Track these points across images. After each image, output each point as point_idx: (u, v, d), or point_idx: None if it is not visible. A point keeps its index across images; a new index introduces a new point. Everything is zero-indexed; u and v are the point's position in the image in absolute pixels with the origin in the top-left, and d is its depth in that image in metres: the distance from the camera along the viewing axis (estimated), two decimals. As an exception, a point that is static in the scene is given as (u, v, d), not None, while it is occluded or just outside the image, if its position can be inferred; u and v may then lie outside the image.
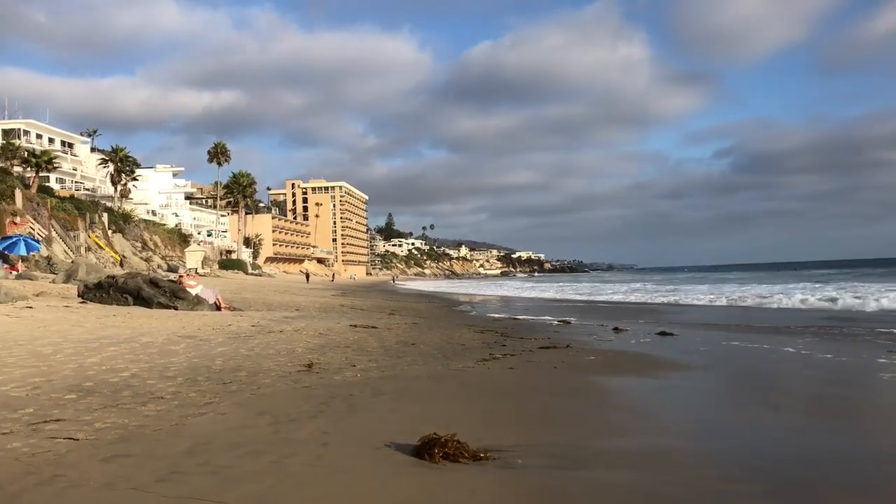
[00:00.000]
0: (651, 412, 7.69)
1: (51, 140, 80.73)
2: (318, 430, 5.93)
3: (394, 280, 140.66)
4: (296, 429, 5.96)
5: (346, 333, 14.67)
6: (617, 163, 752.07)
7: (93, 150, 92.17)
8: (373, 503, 4.28)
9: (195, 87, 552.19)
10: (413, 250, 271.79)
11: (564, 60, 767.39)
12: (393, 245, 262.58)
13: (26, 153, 65.40)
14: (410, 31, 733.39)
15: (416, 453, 5.16)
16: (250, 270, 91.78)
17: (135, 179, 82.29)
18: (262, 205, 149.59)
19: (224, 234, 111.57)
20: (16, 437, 5.35)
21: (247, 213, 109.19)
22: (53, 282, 29.20)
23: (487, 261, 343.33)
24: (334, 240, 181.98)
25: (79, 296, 20.62)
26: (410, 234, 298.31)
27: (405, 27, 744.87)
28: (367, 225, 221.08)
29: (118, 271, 36.66)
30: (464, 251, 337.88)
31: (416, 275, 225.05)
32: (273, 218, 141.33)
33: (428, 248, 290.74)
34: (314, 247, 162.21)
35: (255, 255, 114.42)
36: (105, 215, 66.53)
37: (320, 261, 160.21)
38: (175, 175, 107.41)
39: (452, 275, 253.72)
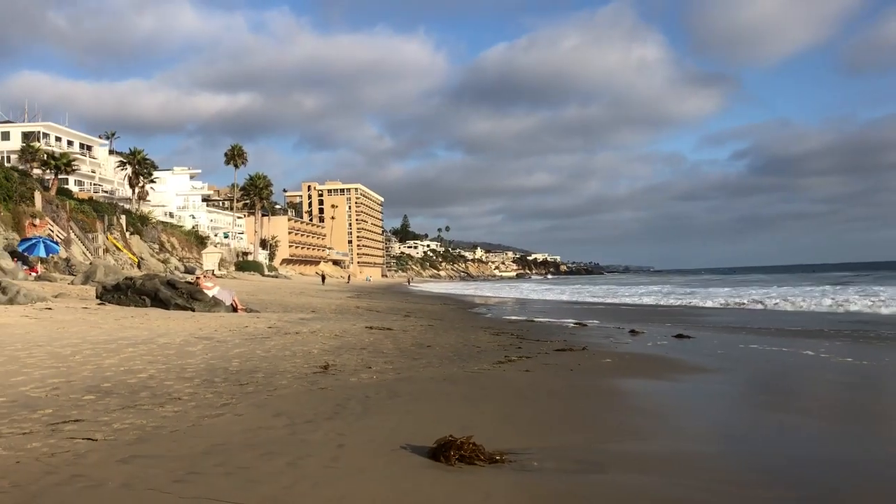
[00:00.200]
0: (668, 415, 7.63)
1: (70, 143, 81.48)
2: (334, 431, 5.94)
3: (409, 282, 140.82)
4: (312, 430, 5.97)
5: (361, 335, 14.69)
6: (633, 165, 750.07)
7: (111, 152, 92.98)
8: (389, 505, 4.27)
9: (212, 89, 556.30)
10: (428, 252, 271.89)
11: (581, 62, 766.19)
12: (408, 247, 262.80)
13: (46, 156, 66.07)
14: (426, 33, 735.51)
15: (431, 455, 5.16)
16: (266, 272, 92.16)
17: (152, 182, 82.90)
18: (278, 207, 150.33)
19: (240, 235, 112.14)
20: (35, 437, 5.40)
21: (263, 215, 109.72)
22: (72, 283, 29.47)
23: (503, 263, 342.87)
24: (350, 242, 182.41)
25: (97, 297, 20.79)
26: (426, 235, 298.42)
27: (420, 29, 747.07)
28: (382, 227, 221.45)
29: (136, 273, 36.96)
30: (479, 253, 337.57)
31: (431, 277, 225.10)
32: (289, 220, 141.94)
33: (443, 249, 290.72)
34: (330, 248, 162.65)
35: (272, 257, 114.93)
36: (123, 217, 67.04)
37: (336, 262, 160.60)
38: (192, 177, 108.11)
39: (468, 277, 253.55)
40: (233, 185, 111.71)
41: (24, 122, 78.93)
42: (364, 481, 4.62)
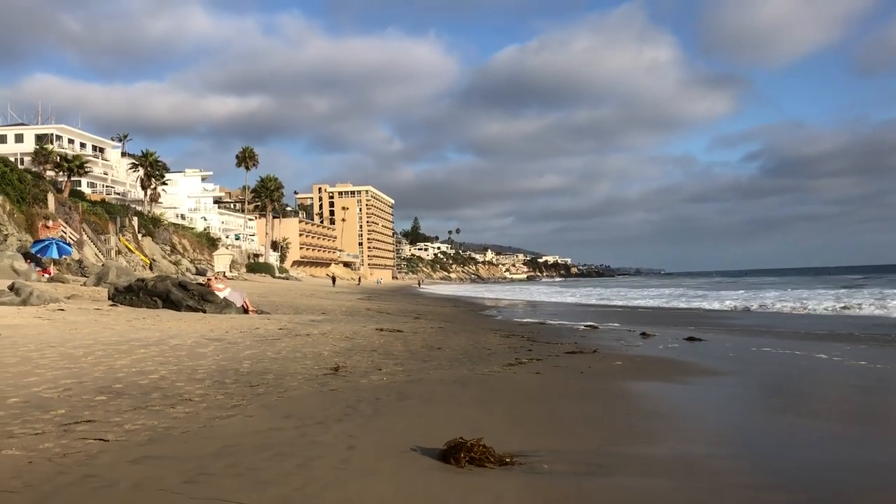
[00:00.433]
0: (679, 418, 7.60)
1: (82, 145, 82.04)
2: (344, 433, 5.95)
3: (419, 284, 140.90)
4: (322, 432, 5.97)
5: (372, 337, 14.71)
6: (644, 166, 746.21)
7: (123, 154, 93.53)
8: (399, 507, 4.27)
9: (223, 92, 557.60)
10: (439, 254, 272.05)
11: (592, 64, 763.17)
12: (419, 249, 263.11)
13: (59, 158, 66.55)
14: (437, 36, 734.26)
15: (441, 457, 5.15)
16: (277, 274, 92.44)
17: (164, 184, 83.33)
18: (289, 209, 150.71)
19: (252, 237, 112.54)
20: (48, 437, 5.43)
21: (274, 217, 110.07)
22: (84, 284, 29.64)
23: (513, 265, 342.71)
24: (360, 244, 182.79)
25: (109, 298, 20.90)
26: (436, 238, 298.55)
27: (431, 32, 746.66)
28: (393, 229, 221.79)
29: (148, 274, 37.14)
30: (490, 255, 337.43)
31: (441, 279, 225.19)
32: (300, 222, 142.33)
33: (454, 252, 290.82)
34: (341, 251, 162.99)
35: (283, 259, 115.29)
36: (135, 219, 67.42)
37: (347, 265, 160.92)
38: (204, 179, 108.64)
39: (478, 279, 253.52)
40: (244, 188, 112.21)
41: (37, 124, 79.52)
42: (374, 483, 4.62)
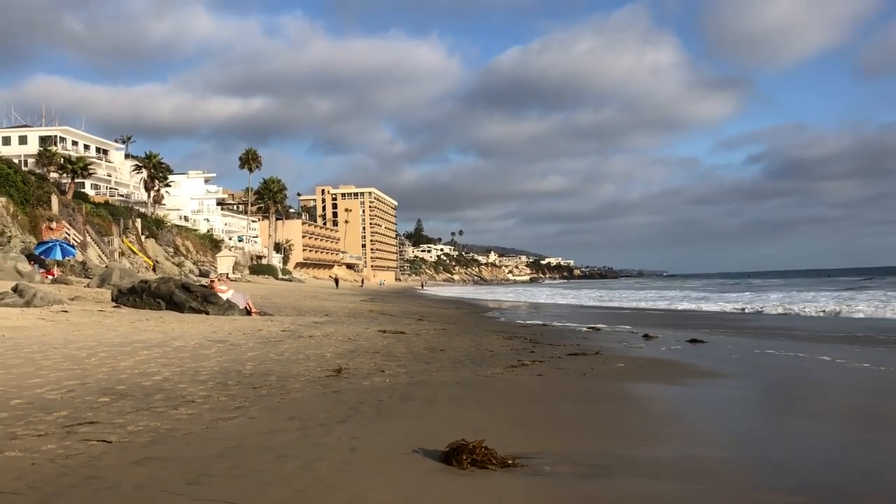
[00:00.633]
0: (681, 420, 7.60)
1: (86, 147, 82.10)
2: (346, 434, 5.95)
3: (422, 285, 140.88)
4: (325, 433, 5.98)
5: (374, 339, 14.71)
6: (647, 168, 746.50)
7: (127, 156, 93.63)
8: (401, 509, 4.27)
9: (226, 93, 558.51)
10: (442, 256, 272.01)
11: (595, 65, 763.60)
12: (422, 251, 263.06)
13: (62, 160, 66.63)
14: (439, 37, 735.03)
15: (443, 459, 5.15)
16: (280, 276, 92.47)
17: (167, 185, 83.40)
18: (292, 210, 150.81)
19: (255, 239, 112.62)
20: (51, 438, 5.44)
21: (277, 219, 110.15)
22: (88, 286, 29.69)
23: (516, 267, 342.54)
24: (363, 245, 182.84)
25: (112, 300, 20.93)
26: (439, 239, 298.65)
27: (434, 33, 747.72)
28: (396, 230, 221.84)
29: (151, 276, 37.17)
30: (493, 257, 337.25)
31: (444, 280, 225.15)
32: (303, 223, 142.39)
33: (457, 253, 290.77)
34: (344, 252, 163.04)
35: (286, 261, 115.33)
36: (138, 221, 67.52)
37: (350, 266, 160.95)
38: (207, 181, 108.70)
39: (481, 281, 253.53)
40: (247, 189, 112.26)
41: (41, 126, 79.57)
42: (376, 485, 4.62)
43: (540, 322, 25.34)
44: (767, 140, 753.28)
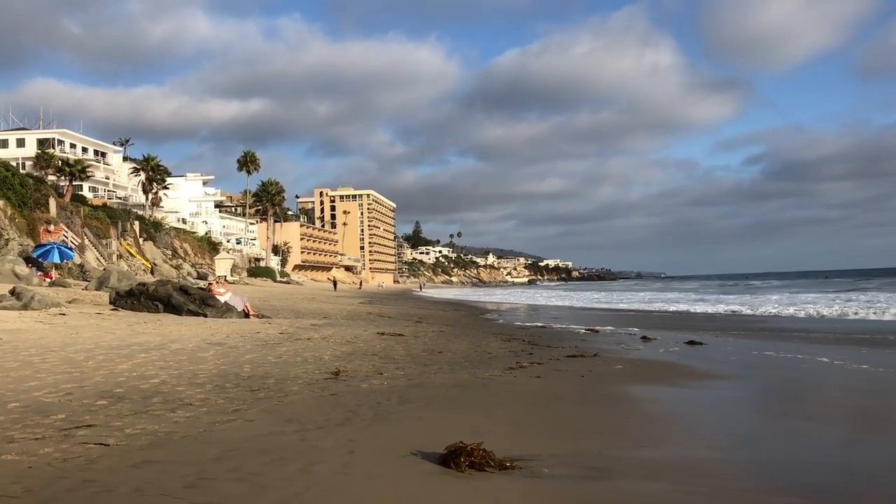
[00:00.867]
0: (680, 422, 7.60)
1: (84, 149, 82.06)
2: (344, 437, 5.95)
3: (421, 287, 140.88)
4: (323, 436, 5.97)
5: (373, 341, 14.70)
6: (646, 170, 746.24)
7: (125, 159, 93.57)
8: (399, 512, 4.27)
9: (224, 96, 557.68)
10: (440, 258, 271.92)
11: (593, 67, 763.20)
12: (420, 253, 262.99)
13: (60, 162, 66.56)
14: (438, 40, 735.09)
15: (441, 462, 5.15)
16: (278, 278, 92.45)
17: (165, 188, 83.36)
18: (290, 213, 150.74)
19: (253, 241, 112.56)
20: (48, 442, 5.43)
21: (275, 221, 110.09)
22: (86, 289, 29.66)
23: (515, 269, 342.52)
24: (362, 248, 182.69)
25: (110, 303, 20.91)
26: (438, 241, 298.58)
27: (432, 35, 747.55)
28: (394, 233, 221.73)
29: (149, 279, 37.15)
30: (491, 259, 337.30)
31: (443, 282, 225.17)
32: (301, 226, 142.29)
33: (455, 255, 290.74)
34: (342, 254, 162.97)
35: (284, 263, 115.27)
36: (136, 223, 67.47)
37: (348, 268, 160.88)
38: (205, 183, 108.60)
39: (479, 283, 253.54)
40: (245, 192, 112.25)
41: (38, 128, 79.52)
42: (374, 487, 4.62)
43: (538, 324, 25.34)
44: (766, 141, 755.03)
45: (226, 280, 52.70)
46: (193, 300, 19.90)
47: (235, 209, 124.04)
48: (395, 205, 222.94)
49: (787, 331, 21.43)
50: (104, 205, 69.25)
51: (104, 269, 38.66)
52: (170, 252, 73.15)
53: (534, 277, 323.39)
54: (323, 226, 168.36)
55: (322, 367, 10.33)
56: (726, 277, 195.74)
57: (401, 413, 7.14)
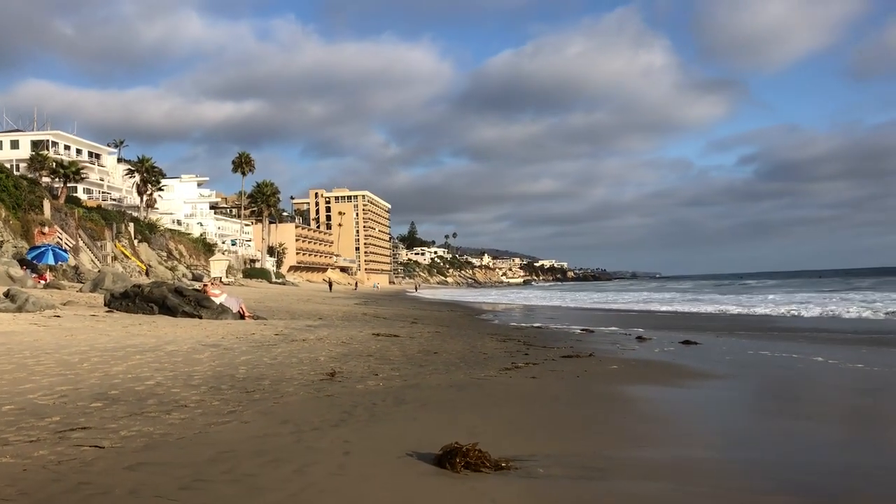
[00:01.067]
0: (675, 422, 7.61)
1: (78, 151, 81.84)
2: (340, 438, 5.94)
3: (416, 288, 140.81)
4: (318, 437, 5.97)
5: (368, 342, 14.70)
6: (640, 170, 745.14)
7: (119, 160, 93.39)
8: (395, 512, 4.27)
9: (218, 97, 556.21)
10: (436, 259, 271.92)
11: (587, 68, 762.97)
12: (416, 253, 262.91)
13: (54, 164, 66.39)
14: (432, 41, 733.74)
15: (437, 462, 5.15)
16: (274, 279, 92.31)
17: (160, 189, 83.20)
18: (285, 214, 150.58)
19: (248, 243, 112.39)
20: (42, 444, 5.42)
21: (270, 223, 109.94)
22: (80, 291, 29.58)
23: (510, 269, 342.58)
24: (357, 248, 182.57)
25: (105, 305, 20.87)
26: (433, 242, 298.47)
27: (426, 36, 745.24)
28: (389, 233, 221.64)
29: (144, 280, 37.07)
30: (486, 259, 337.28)
31: (438, 283, 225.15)
32: (296, 227, 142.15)
33: (450, 256, 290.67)
34: (337, 255, 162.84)
35: (279, 264, 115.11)
36: (131, 225, 67.31)
37: (343, 269, 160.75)
38: (200, 185, 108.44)
39: (475, 283, 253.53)
40: (240, 193, 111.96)
41: (32, 130, 79.28)
42: (370, 489, 4.62)
43: (533, 324, 25.36)
44: (759, 142, 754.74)
45: (221, 281, 52.68)
46: (188, 302, 19.87)
47: (230, 210, 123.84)
48: (389, 206, 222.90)
49: (782, 330, 21.48)
50: (99, 206, 69.09)
51: (99, 271, 38.58)
52: (165, 254, 72.99)
53: (529, 278, 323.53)
54: (318, 227, 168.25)
55: (317, 368, 10.32)
56: (721, 277, 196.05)
57: (396, 414, 7.14)
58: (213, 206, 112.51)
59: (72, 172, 65.38)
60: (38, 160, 67.39)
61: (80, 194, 73.17)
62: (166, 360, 10.32)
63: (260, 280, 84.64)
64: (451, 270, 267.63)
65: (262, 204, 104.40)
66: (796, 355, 13.58)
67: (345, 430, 6.26)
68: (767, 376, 11.32)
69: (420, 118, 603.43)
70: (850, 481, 5.23)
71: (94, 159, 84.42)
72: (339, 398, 7.89)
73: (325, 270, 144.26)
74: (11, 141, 77.35)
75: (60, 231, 48.35)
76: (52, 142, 77.54)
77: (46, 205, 49.94)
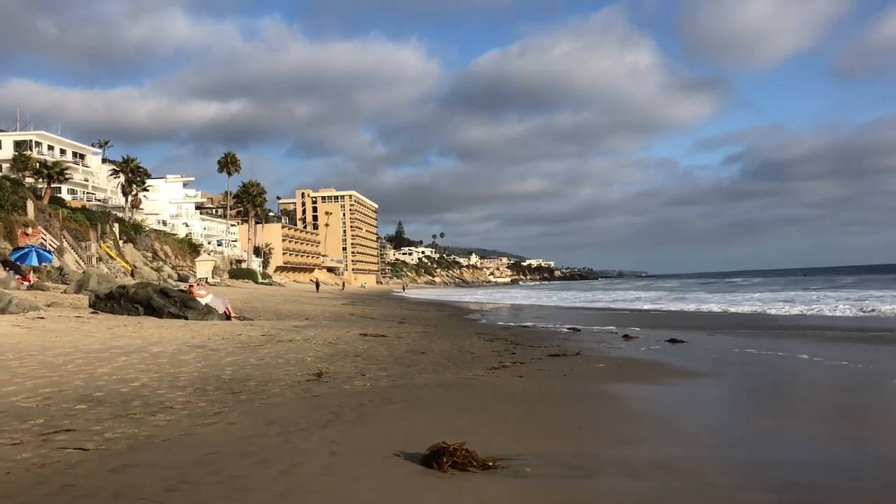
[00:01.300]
0: (662, 420, 7.64)
1: (62, 151, 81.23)
2: (327, 439, 5.92)
3: (404, 288, 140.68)
4: (305, 438, 5.95)
5: (355, 342, 14.67)
6: (626, 170, 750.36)
7: (104, 160, 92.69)
8: (382, 513, 4.26)
9: (204, 97, 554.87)
10: (423, 258, 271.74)
11: (574, 68, 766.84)
12: (403, 253, 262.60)
13: (38, 164, 65.83)
14: (419, 40, 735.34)
15: (424, 462, 5.14)
16: (260, 280, 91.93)
17: (145, 190, 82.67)
18: (271, 214, 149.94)
19: (234, 243, 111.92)
20: (26, 447, 5.36)
21: (257, 223, 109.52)
22: (65, 292, 29.35)
23: (497, 268, 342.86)
24: (344, 249, 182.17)
25: (90, 306, 20.71)
26: (420, 242, 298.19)
27: (413, 36, 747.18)
28: (377, 233, 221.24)
29: (129, 281, 36.83)
30: (474, 259, 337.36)
31: (426, 283, 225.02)
32: (283, 227, 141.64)
33: (438, 256, 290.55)
34: (324, 256, 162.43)
35: (265, 265, 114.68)
36: (116, 225, 66.85)
37: (330, 270, 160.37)
38: (185, 185, 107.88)
39: (463, 283, 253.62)
40: (226, 193, 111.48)
41: (15, 130, 78.61)
42: (357, 489, 4.61)
43: (521, 323, 25.40)
44: (745, 141, 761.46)
45: (207, 282, 52.41)
46: (174, 302, 19.75)
47: (216, 211, 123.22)
48: (377, 205, 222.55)
49: (767, 328, 21.61)
50: (83, 207, 68.59)
51: (83, 272, 38.29)
52: (150, 254, 72.55)
53: (516, 277, 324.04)
54: (305, 227, 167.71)
55: (304, 368, 10.29)
56: (707, 276, 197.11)
57: (383, 414, 7.13)
58: (199, 207, 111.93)
59: (56, 173, 64.84)
60: (21, 160, 66.77)
61: (65, 195, 72.61)
62: (152, 362, 10.25)
63: (246, 281, 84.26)
64: (438, 270, 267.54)
65: (249, 204, 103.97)
66: (781, 353, 13.67)
67: (332, 431, 6.24)
68: (753, 374, 11.39)
69: (407, 118, 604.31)
70: (834, 478, 5.27)
71: (78, 160, 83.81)
72: (326, 398, 7.87)
73: (311, 271, 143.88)
74: (-6, 141, 76.67)
75: (44, 232, 47.97)
76: (36, 142, 76.93)
77: (30, 205, 49.51)
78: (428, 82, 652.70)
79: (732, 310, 33.73)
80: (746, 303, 38.03)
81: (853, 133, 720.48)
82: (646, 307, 40.01)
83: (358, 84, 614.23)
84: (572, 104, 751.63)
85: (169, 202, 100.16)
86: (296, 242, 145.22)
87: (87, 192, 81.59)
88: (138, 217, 79.54)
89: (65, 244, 51.09)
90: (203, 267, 75.72)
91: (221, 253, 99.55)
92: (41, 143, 77.73)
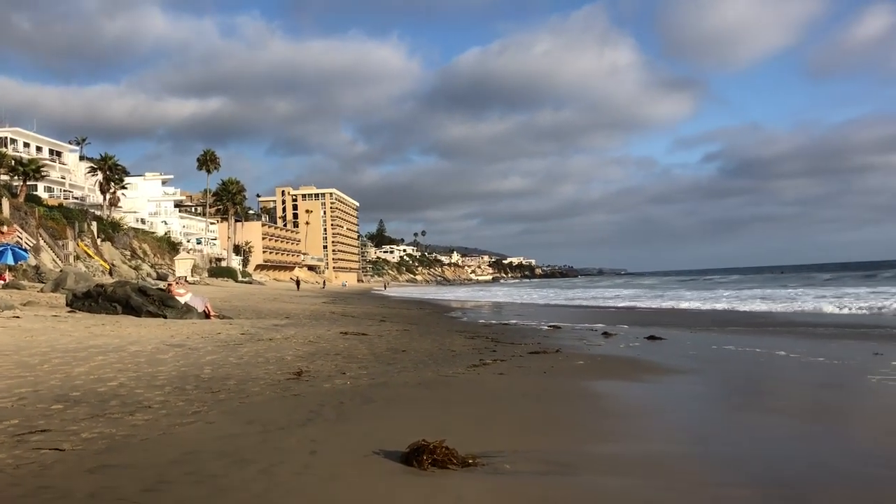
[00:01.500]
0: (641, 417, 7.68)
1: (38, 148, 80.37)
2: (307, 438, 5.90)
3: (385, 286, 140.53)
4: (285, 437, 5.92)
5: (336, 341, 14.63)
6: (606, 168, 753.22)
7: (82, 158, 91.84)
8: (361, 511, 4.25)
9: (183, 94, 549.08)
10: (405, 257, 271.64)
11: (554, 66, 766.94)
12: (384, 252, 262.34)
13: (13, 162, 65.02)
14: (399, 38, 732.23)
15: (404, 460, 5.14)
16: (240, 278, 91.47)
17: (124, 188, 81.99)
18: (251, 212, 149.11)
19: (213, 241, 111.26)
20: (0, 448, 5.30)
21: (236, 221, 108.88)
22: (42, 291, 29.03)
23: (479, 267, 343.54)
24: (325, 247, 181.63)
25: (67, 305, 20.50)
26: (402, 240, 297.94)
27: (394, 34, 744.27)
28: (358, 232, 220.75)
29: (107, 280, 36.49)
30: (455, 257, 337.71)
31: (407, 281, 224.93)
32: (263, 225, 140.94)
33: (419, 254, 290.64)
34: (305, 254, 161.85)
35: (245, 263, 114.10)
36: (94, 224, 66.25)
37: (311, 268, 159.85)
38: (164, 183, 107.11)
39: (444, 281, 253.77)
40: (205, 191, 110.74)
41: (-10, 127, 77.65)
42: (337, 487, 4.59)
43: (501, 321, 25.45)
44: (722, 140, 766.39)
45: (186, 281, 52.04)
46: (153, 301, 19.60)
47: (195, 209, 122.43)
48: (358, 203, 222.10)
49: (745, 325, 21.80)
50: (60, 205, 67.88)
51: (60, 271, 37.87)
52: (128, 253, 71.96)
53: (498, 275, 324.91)
54: (285, 225, 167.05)
55: (284, 367, 10.25)
56: (686, 273, 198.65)
57: (364, 412, 7.11)
58: (178, 205, 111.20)
59: (32, 170, 64.10)
60: (-4, 158, 65.94)
61: (41, 193, 71.88)
62: (130, 361, 10.16)
63: (226, 279, 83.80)
64: (420, 268, 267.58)
65: (228, 202, 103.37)
66: (759, 349, 13.79)
67: (311, 430, 6.22)
68: (731, 370, 11.49)
69: (388, 116, 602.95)
70: (814, 473, 5.33)
71: (55, 157, 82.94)
72: (306, 397, 7.84)
73: (292, 269, 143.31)
74: (-32, 138, 75.63)
75: (20, 230, 47.41)
76: (11, 139, 76.04)
77: (5, 203, 48.92)
78: (409, 80, 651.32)
79: (711, 307, 34.00)
80: (724, 300, 38.35)
81: (828, 132, 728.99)
82: (625, 304, 40.25)
83: (338, 82, 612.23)
84: (553, 102, 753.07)
85: (147, 200, 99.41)
86: (276, 241, 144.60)
87: (65, 190, 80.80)
88: (116, 215, 78.90)
89: (41, 242, 50.54)
90: (182, 265, 75.22)
91: (201, 251, 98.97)
92: (17, 140, 76.85)
